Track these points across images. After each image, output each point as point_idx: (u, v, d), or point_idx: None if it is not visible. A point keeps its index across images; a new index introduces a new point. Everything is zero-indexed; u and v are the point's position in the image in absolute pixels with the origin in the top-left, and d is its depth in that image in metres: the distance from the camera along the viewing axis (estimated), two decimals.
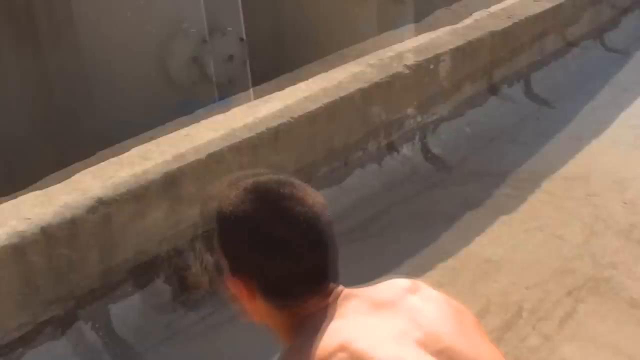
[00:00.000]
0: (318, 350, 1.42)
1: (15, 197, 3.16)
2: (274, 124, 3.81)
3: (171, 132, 3.62)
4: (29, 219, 2.97)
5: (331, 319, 1.48)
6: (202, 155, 3.47)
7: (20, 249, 2.90)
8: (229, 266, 1.54)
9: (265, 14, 6.32)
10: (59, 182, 3.21)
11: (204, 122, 3.74)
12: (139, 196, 3.24)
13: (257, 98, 4.97)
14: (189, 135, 3.60)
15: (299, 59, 6.20)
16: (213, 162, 3.51)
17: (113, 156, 3.41)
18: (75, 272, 3.11)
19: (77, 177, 3.24)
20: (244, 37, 4.91)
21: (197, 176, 3.46)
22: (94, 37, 4.76)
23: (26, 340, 3.02)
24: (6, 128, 5.80)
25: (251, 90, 5.23)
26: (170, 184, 3.35)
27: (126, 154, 3.42)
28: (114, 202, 3.14)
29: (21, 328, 3.00)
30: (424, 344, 1.46)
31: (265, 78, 5.56)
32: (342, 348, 1.40)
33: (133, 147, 3.47)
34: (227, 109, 3.93)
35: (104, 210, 3.11)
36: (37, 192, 3.15)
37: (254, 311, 1.57)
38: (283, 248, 1.47)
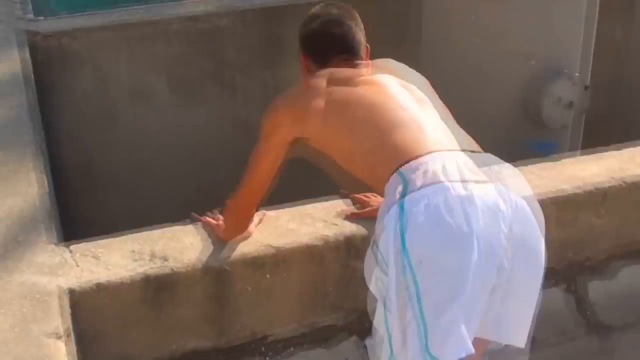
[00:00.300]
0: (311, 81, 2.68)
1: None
2: (605, 184, 3.51)
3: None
4: (336, 225, 2.95)
5: (341, 71, 2.69)
6: None
7: (319, 252, 2.90)
8: (299, 47, 2.83)
9: (608, 61, 5.99)
10: None
11: (531, 167, 3.52)
12: None
13: (585, 149, 4.68)
14: None
15: (636, 113, 5.80)
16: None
17: None
18: (365, 288, 3.05)
19: None
20: (588, 85, 4.63)
21: None
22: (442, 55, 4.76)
23: (299, 341, 3.03)
24: None
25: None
26: None
27: None
28: None
29: (297, 330, 3.01)
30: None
31: (595, 127, 5.25)
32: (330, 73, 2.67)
33: None
34: (557, 158, 3.69)
35: None
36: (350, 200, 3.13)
37: (306, 71, 2.80)
38: (320, 32, 2.78)
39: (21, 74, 4.28)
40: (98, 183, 5.63)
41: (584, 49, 4.62)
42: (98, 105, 5.38)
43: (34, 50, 4.93)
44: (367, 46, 2.83)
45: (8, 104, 3.92)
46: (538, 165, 3.59)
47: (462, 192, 2.22)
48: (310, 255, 2.88)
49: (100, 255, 2.72)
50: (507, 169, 2.50)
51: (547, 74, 4.48)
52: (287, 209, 3.04)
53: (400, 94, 2.62)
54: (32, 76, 4.41)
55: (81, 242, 2.79)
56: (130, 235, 2.85)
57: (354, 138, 2.54)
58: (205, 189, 5.49)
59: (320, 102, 2.57)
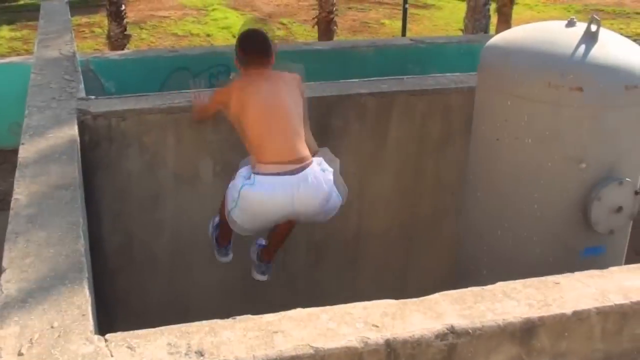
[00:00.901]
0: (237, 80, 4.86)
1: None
2: None
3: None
4: (377, 326, 2.87)
5: (254, 75, 4.70)
6: (568, 310, 3.16)
7: (358, 354, 2.81)
8: (235, 55, 4.80)
9: None
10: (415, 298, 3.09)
11: (578, 274, 3.43)
12: (491, 334, 3.01)
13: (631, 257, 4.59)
14: (559, 285, 3.31)
15: None
16: (576, 320, 3.19)
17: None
18: None
19: (434, 297, 3.10)
20: (638, 190, 4.55)
21: (556, 330, 3.16)
22: (491, 154, 4.72)
23: None
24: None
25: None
26: (526, 331, 3.09)
27: (490, 287, 3.21)
28: (465, 334, 2.94)
29: None
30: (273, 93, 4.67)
31: None
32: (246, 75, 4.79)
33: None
34: (604, 266, 3.60)
35: (452, 339, 2.93)
36: (390, 301, 3.06)
37: (241, 71, 4.82)
38: (243, 40, 4.80)
39: (68, 152, 4.31)
40: (136, 264, 5.63)
41: (635, 154, 4.57)
42: (142, 187, 5.41)
43: (82, 129, 5.00)
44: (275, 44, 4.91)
45: (53, 182, 3.94)
46: (584, 272, 3.50)
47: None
48: (349, 358, 2.79)
49: (135, 346, 2.67)
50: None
51: (597, 178, 4.42)
52: (327, 308, 2.97)
53: (283, 103, 4.64)
54: (79, 155, 4.44)
55: (117, 332, 2.74)
56: (167, 327, 2.79)
57: (250, 122, 4.59)
58: (244, 274, 5.47)
59: (240, 93, 4.63)
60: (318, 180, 4.51)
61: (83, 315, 2.84)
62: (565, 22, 4.61)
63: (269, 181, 4.43)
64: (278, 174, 4.43)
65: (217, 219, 5.12)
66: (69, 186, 3.90)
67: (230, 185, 4.62)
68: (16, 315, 2.82)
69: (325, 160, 4.72)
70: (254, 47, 4.76)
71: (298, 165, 4.47)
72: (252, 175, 4.48)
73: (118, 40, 14.69)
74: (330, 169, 4.63)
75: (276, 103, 4.60)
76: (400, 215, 6.28)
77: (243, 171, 4.58)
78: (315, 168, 4.53)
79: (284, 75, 4.78)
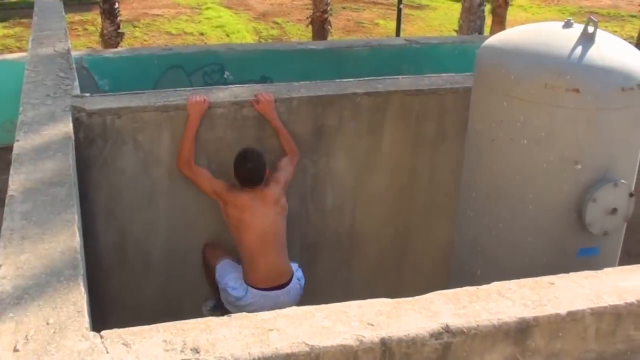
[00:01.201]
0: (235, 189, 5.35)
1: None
2: None
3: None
4: (372, 325, 2.87)
5: (250, 193, 5.27)
6: (562, 310, 3.17)
7: (353, 352, 2.81)
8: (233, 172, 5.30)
9: None
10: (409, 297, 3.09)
11: (572, 275, 3.44)
12: (486, 334, 3.01)
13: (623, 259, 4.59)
14: (554, 285, 3.32)
15: None
16: (570, 321, 3.19)
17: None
18: None
19: (429, 296, 3.10)
20: (633, 192, 4.57)
21: (550, 330, 3.16)
22: (486, 153, 4.69)
23: None
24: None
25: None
26: (521, 330, 3.09)
27: (485, 287, 3.22)
28: (460, 333, 2.95)
29: None
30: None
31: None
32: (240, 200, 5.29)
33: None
34: (599, 267, 3.60)
35: (447, 338, 2.93)
36: (385, 300, 3.06)
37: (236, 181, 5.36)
38: (239, 167, 5.24)
39: (63, 149, 4.30)
40: (129, 262, 5.61)
41: (630, 156, 4.58)
42: (137, 185, 5.39)
43: (77, 126, 4.98)
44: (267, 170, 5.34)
45: (47, 179, 3.93)
46: (579, 273, 3.51)
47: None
48: (344, 356, 2.79)
49: (131, 342, 2.67)
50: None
51: (592, 179, 4.43)
52: (322, 306, 2.97)
53: (274, 227, 5.33)
54: (74, 152, 4.43)
55: (112, 329, 2.74)
56: (162, 324, 2.79)
57: (244, 243, 5.29)
58: None
59: (237, 212, 5.25)
60: (296, 291, 5.45)
61: (78, 311, 2.83)
62: (562, 23, 4.62)
63: (259, 294, 5.30)
64: (266, 289, 5.30)
65: (211, 304, 5.74)
66: (63, 183, 3.89)
67: (223, 287, 5.41)
68: (11, 312, 2.82)
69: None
70: (247, 176, 5.24)
71: (283, 281, 5.36)
72: (247, 287, 5.30)
73: (111, 38, 14.65)
74: (302, 276, 5.57)
75: (269, 229, 5.29)
76: (395, 214, 6.28)
77: (232, 282, 5.36)
78: (295, 283, 5.45)
79: (275, 191, 5.33)
